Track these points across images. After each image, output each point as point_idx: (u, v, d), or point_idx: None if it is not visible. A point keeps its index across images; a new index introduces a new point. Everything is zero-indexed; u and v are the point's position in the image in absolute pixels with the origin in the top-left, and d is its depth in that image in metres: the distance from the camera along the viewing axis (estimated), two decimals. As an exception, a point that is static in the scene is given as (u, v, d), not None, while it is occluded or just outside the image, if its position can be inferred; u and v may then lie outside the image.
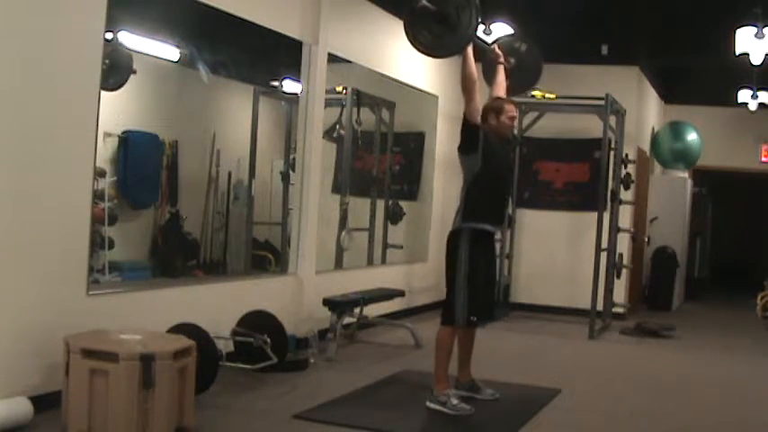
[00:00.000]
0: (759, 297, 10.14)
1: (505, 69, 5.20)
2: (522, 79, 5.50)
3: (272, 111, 7.88)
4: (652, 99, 10.85)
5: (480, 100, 4.79)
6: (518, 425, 4.60)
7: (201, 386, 4.29)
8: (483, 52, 5.19)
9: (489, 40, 7.14)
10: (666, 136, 11.00)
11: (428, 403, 4.80)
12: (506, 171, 5.09)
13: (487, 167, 4.77)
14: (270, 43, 6.28)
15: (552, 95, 8.36)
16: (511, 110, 4.91)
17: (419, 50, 4.81)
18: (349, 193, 7.36)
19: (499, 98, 5.04)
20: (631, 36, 8.27)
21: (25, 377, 3.99)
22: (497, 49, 5.19)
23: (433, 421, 4.66)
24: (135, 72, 6.31)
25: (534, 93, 8.40)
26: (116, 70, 5.92)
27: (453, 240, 4.86)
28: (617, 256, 8.65)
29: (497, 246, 6.28)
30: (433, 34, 4.62)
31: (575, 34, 8.17)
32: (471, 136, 4.74)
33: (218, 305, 5.40)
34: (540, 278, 9.37)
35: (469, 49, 4.69)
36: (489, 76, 5.29)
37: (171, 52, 6.85)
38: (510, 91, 5.23)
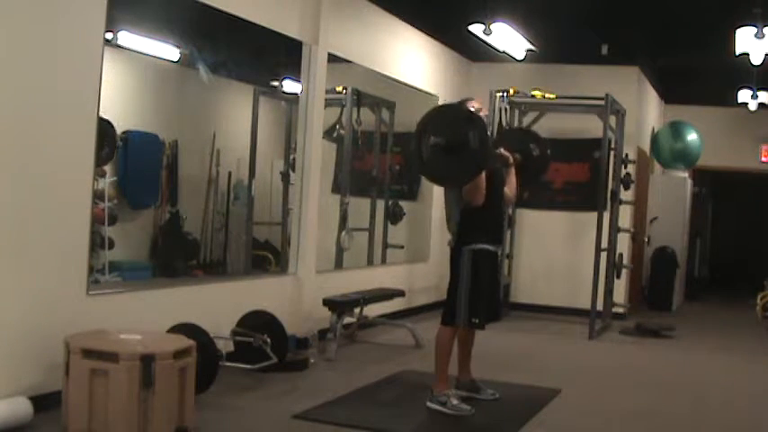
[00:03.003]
0: (759, 297, 10.14)
1: (516, 165, 5.19)
2: (530, 170, 5.51)
3: (272, 111, 7.88)
4: (652, 99, 10.85)
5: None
6: (518, 425, 4.60)
7: (201, 386, 4.29)
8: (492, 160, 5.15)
9: (490, 41, 7.17)
10: (666, 136, 11.00)
11: (428, 403, 4.80)
12: (499, 186, 5.02)
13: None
14: (270, 43, 6.28)
15: (552, 95, 8.36)
16: (474, 105, 4.90)
17: (442, 185, 4.91)
18: (349, 193, 7.35)
19: (464, 99, 5.06)
20: (631, 36, 8.27)
21: (25, 377, 3.99)
22: (503, 152, 5.15)
23: (432, 421, 4.66)
24: (119, 147, 6.37)
25: (534, 93, 8.42)
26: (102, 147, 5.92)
27: (455, 256, 4.84)
28: (617, 256, 8.66)
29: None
30: (450, 166, 4.58)
31: (575, 34, 8.17)
32: None
33: (218, 305, 5.40)
34: (540, 278, 9.38)
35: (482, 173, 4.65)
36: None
37: (171, 52, 6.85)
38: (519, 186, 5.26)
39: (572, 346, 7.52)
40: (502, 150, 5.17)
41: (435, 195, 8.95)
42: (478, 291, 4.75)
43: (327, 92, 6.64)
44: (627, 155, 8.73)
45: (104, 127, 5.49)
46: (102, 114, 4.47)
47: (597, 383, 5.97)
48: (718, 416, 5.22)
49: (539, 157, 5.68)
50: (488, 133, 4.67)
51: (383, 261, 8.36)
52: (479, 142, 4.49)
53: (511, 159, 5.14)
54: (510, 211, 8.98)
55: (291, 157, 6.79)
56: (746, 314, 10.15)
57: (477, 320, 4.80)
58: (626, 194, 8.86)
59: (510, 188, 5.13)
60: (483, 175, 4.64)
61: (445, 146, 4.52)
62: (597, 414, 5.05)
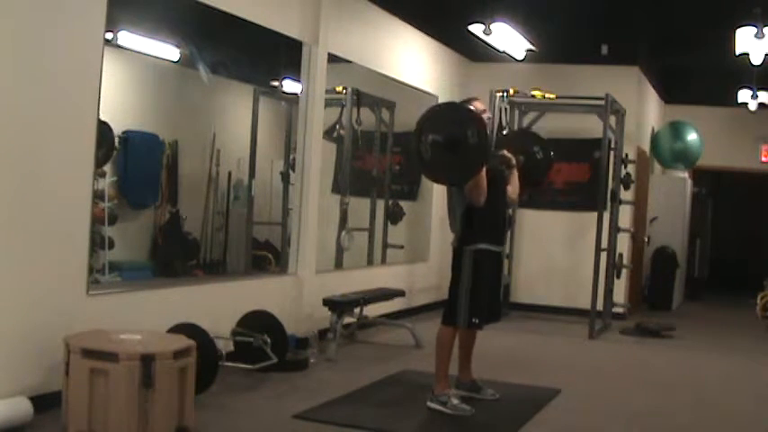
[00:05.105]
0: (759, 297, 10.13)
1: (519, 168, 5.18)
2: (532, 172, 5.50)
3: (272, 111, 7.88)
4: (652, 99, 10.85)
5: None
6: (518, 425, 4.60)
7: (201, 386, 4.29)
8: (493, 159, 5.11)
9: (490, 41, 7.17)
10: (666, 136, 11.00)
11: (428, 403, 4.80)
12: (501, 187, 4.99)
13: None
14: (270, 43, 6.28)
15: (552, 95, 8.36)
16: (477, 105, 4.89)
17: (441, 183, 4.93)
18: (349, 193, 7.35)
19: (468, 99, 5.05)
20: (631, 36, 8.27)
21: (25, 377, 3.99)
22: (506, 154, 5.15)
23: (433, 421, 4.66)
24: (117, 149, 6.34)
25: (534, 93, 8.41)
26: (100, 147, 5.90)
27: (457, 256, 4.83)
28: (617, 256, 8.66)
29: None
30: (450, 165, 4.55)
31: (575, 34, 8.17)
32: None
33: (218, 305, 5.40)
34: (540, 278, 9.38)
35: (482, 170, 4.62)
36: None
37: (171, 52, 6.85)
38: (522, 188, 5.25)
39: (572, 346, 7.52)
40: (505, 152, 5.17)
41: (435, 195, 8.95)
42: (479, 291, 4.75)
43: (327, 92, 6.64)
44: (627, 155, 8.73)
45: (102, 128, 5.47)
46: (102, 114, 4.47)
47: (597, 383, 5.98)
48: (718, 415, 5.21)
49: (542, 160, 5.68)
50: (487, 130, 4.65)
51: (383, 261, 8.35)
52: (478, 138, 4.48)
53: (513, 161, 5.14)
54: (510, 211, 8.99)
55: (291, 157, 6.79)
56: (746, 314, 10.15)
57: (477, 321, 4.80)
58: (626, 194, 8.86)
59: (513, 190, 5.13)
60: (484, 173, 4.63)
61: (444, 143, 4.50)
62: (597, 414, 5.05)
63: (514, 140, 5.54)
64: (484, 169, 4.61)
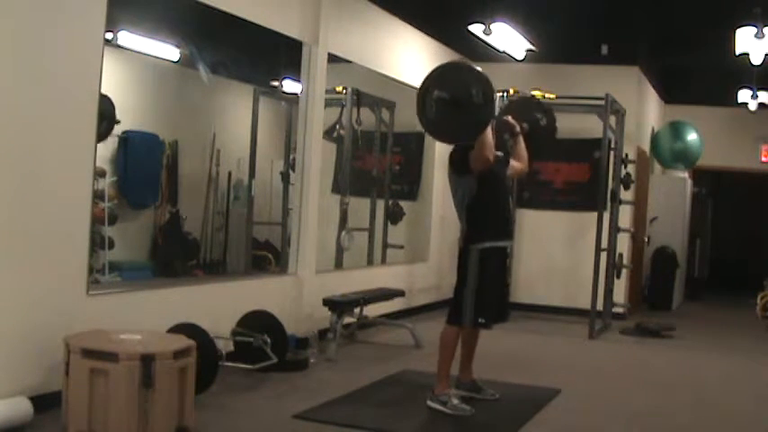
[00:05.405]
0: (759, 297, 10.13)
1: (524, 135, 5.18)
2: (538, 139, 5.44)
3: (272, 111, 7.88)
4: (652, 99, 10.85)
5: None
6: (518, 425, 4.60)
7: (201, 386, 4.29)
8: (497, 125, 5.10)
9: (490, 41, 7.17)
10: (666, 136, 11.00)
11: (429, 402, 4.80)
12: (504, 178, 5.00)
13: (485, 186, 4.75)
14: (270, 43, 6.28)
15: (552, 95, 8.34)
16: (510, 119, 4.91)
17: (446, 141, 4.89)
18: (349, 193, 7.35)
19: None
20: (631, 36, 8.27)
21: (25, 377, 3.99)
22: (510, 120, 5.15)
23: (433, 421, 4.66)
24: (119, 122, 6.31)
25: (534, 93, 8.40)
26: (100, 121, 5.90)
27: (463, 255, 4.81)
28: (617, 256, 8.66)
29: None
30: (454, 123, 4.53)
31: (575, 34, 8.17)
32: (465, 161, 4.72)
33: (218, 305, 5.40)
34: (540, 278, 9.38)
35: (488, 129, 4.60)
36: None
37: (171, 52, 6.85)
38: (531, 157, 5.22)
39: (572, 346, 7.52)
40: (509, 118, 5.15)
41: (435, 195, 8.96)
42: (485, 290, 4.73)
43: (327, 92, 6.64)
44: (627, 155, 8.73)
45: (103, 102, 5.46)
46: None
47: (597, 383, 5.97)
48: (718, 415, 5.21)
49: (546, 127, 5.63)
50: (493, 89, 4.60)
51: (383, 261, 8.35)
52: (483, 97, 4.45)
53: (517, 128, 5.13)
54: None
55: (291, 157, 6.80)
56: (746, 314, 10.15)
57: (483, 320, 4.78)
58: (626, 194, 8.86)
59: (520, 158, 5.11)
60: (489, 131, 4.58)
61: (449, 100, 4.48)
62: (597, 414, 5.05)
63: (515, 108, 5.48)
64: (489, 128, 4.56)
